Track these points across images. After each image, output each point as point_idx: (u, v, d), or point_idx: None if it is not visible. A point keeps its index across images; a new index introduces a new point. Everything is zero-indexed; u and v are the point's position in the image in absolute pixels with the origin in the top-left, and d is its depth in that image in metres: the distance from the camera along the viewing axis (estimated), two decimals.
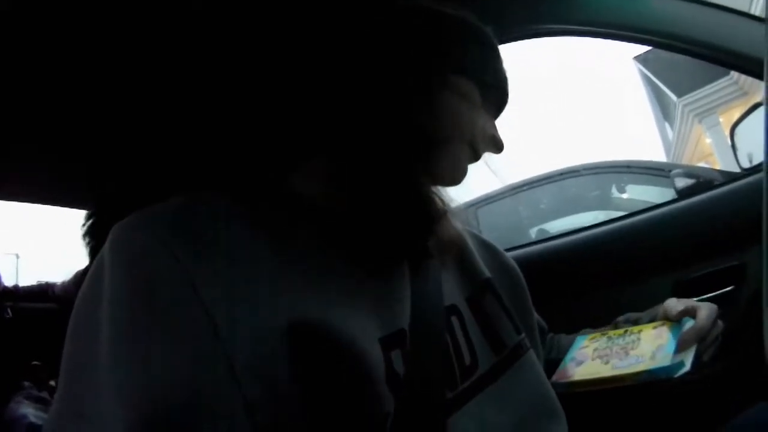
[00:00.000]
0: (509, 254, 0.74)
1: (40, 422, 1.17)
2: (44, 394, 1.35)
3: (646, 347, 0.64)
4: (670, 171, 2.02)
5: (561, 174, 2.59)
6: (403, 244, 0.50)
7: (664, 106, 12.31)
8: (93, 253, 1.03)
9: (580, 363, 0.67)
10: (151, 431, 0.31)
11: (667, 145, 13.57)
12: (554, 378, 0.62)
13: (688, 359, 0.59)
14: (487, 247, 0.70)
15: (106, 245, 0.38)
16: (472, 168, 0.59)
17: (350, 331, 0.39)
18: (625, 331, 0.69)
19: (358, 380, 0.38)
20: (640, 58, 10.62)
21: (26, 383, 1.32)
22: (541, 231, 2.52)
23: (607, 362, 0.65)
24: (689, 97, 9.19)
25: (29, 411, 1.21)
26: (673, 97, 9.79)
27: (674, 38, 0.94)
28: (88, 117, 0.91)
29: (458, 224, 0.62)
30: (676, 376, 0.57)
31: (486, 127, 0.58)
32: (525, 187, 2.59)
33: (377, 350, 0.41)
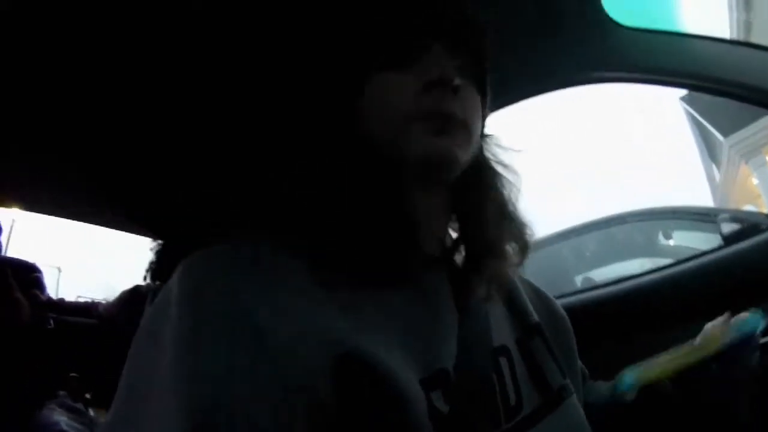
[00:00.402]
0: (560, 302, 0.73)
1: (71, 431, 1.20)
2: (79, 405, 1.39)
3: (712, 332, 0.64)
4: (716, 216, 1.97)
5: (607, 221, 2.58)
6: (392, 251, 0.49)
7: (711, 147, 11.99)
8: (153, 277, 1.10)
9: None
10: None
11: (713, 187, 13.16)
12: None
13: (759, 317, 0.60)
14: (536, 293, 0.70)
15: (174, 278, 0.42)
16: None
17: (391, 368, 0.41)
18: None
19: (400, 413, 0.40)
20: (686, 98, 10.43)
21: (61, 393, 1.36)
22: (587, 279, 2.48)
23: (678, 352, 0.64)
24: (736, 137, 8.91)
25: (62, 419, 1.25)
26: (720, 137, 9.52)
27: (715, 81, 0.92)
28: (134, 146, 0.98)
29: (509, 266, 0.61)
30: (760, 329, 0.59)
31: (428, 74, 0.51)
32: (570, 235, 2.59)
33: (417, 389, 0.42)
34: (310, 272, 0.44)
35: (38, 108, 0.87)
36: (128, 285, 1.65)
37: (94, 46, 0.74)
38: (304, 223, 0.48)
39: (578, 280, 2.50)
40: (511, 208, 0.60)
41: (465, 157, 0.52)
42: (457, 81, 0.51)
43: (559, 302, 0.72)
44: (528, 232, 0.60)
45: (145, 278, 1.35)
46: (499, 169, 0.61)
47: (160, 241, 1.35)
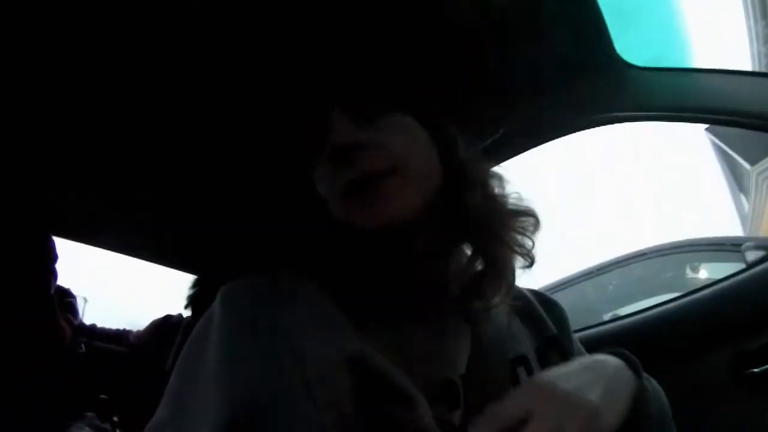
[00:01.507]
0: (580, 335, 0.74)
1: None
2: (106, 426, 1.43)
3: None
4: (741, 245, 1.94)
5: (631, 258, 2.56)
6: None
7: (738, 177, 11.72)
8: (192, 304, 1.17)
9: None
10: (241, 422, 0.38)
11: (743, 218, 12.80)
12: None
13: None
14: (544, 302, 0.71)
15: (216, 301, 0.48)
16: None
17: (391, 370, 0.45)
18: None
19: (411, 418, 0.44)
20: (711, 129, 10.29)
21: (89, 414, 1.40)
22: (615, 317, 2.45)
23: None
24: (763, 164, 8.72)
25: None
26: (746, 165, 9.34)
27: (735, 114, 0.92)
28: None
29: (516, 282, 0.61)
30: None
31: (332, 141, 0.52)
32: (596, 273, 2.59)
33: (423, 400, 0.46)
34: (325, 300, 0.49)
35: (79, 139, 0.94)
36: (150, 318, 1.70)
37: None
38: (322, 270, 0.53)
39: (606, 318, 2.45)
40: (507, 208, 0.59)
41: (411, 200, 0.52)
42: (354, 138, 0.51)
43: (583, 334, 0.72)
44: (531, 224, 0.59)
45: (186, 307, 1.40)
46: (480, 175, 0.60)
47: (196, 276, 1.41)
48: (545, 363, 0.59)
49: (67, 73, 0.78)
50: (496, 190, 0.60)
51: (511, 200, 0.59)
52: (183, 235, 1.32)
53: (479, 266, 0.56)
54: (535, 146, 1.08)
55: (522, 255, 0.58)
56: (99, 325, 1.71)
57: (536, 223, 0.59)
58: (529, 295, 0.68)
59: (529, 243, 0.58)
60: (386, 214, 0.50)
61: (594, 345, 0.73)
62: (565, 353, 0.62)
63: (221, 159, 0.99)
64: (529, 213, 0.59)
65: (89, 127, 0.90)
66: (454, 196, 0.55)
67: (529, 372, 0.56)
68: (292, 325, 0.44)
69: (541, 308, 0.67)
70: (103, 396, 1.45)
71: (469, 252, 0.57)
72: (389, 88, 0.57)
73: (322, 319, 0.47)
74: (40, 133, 0.90)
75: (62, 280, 1.41)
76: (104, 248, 1.37)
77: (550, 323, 0.65)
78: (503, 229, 0.57)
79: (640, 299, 2.50)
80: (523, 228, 0.58)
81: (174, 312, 1.62)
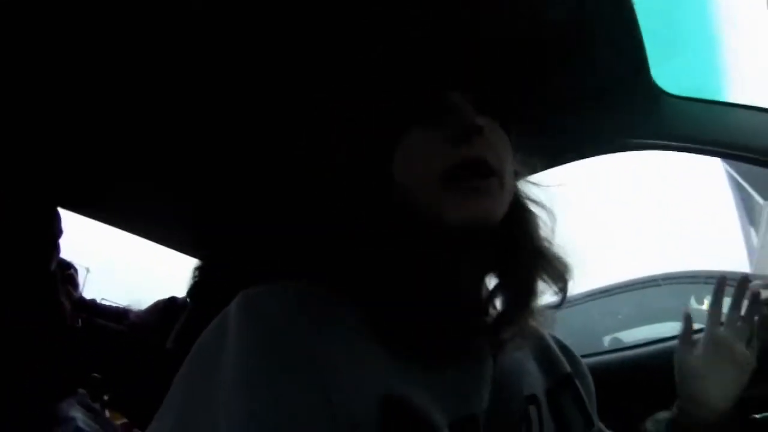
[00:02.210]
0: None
1: (87, 429, 1.22)
2: (96, 406, 1.41)
3: None
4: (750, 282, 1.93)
5: (639, 283, 2.56)
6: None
7: (750, 210, 11.64)
8: (191, 294, 1.14)
9: None
10: None
11: (751, 251, 12.71)
12: None
13: None
14: (563, 349, 0.70)
15: (234, 306, 0.44)
16: None
17: (425, 410, 0.43)
18: None
19: None
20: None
21: (81, 391, 1.39)
22: (615, 339, 2.45)
23: None
24: None
25: (78, 416, 1.26)
26: (759, 199, 9.26)
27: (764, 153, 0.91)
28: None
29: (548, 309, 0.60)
30: None
31: (453, 128, 0.50)
32: (601, 294, 2.57)
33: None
34: (357, 321, 0.46)
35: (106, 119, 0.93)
36: (152, 295, 1.66)
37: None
38: (352, 281, 0.50)
39: (606, 341, 2.44)
40: (547, 247, 0.57)
41: (502, 209, 0.51)
42: (480, 121, 0.50)
43: (584, 361, 0.71)
44: (566, 269, 0.57)
45: (187, 295, 1.38)
46: (532, 206, 0.59)
47: (202, 263, 1.39)
48: (556, 405, 0.58)
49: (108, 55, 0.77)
50: (544, 223, 0.59)
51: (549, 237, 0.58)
52: (201, 222, 1.30)
53: (504, 296, 0.56)
54: (560, 165, 1.06)
55: (555, 292, 0.57)
56: (101, 294, 1.68)
57: (567, 267, 0.57)
58: (545, 333, 0.67)
59: (560, 284, 0.57)
60: (485, 208, 0.49)
61: (595, 373, 0.72)
62: (578, 396, 0.61)
63: (246, 144, 0.98)
64: (562, 257, 0.57)
65: (110, 108, 0.89)
66: (515, 219, 0.55)
67: (539, 411, 0.55)
68: (320, 350, 0.42)
69: (556, 347, 0.66)
70: (95, 375, 1.44)
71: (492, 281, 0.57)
72: (501, 85, 0.57)
73: (354, 346, 0.44)
74: (56, 110, 0.89)
75: (66, 248, 1.39)
76: (114, 226, 1.36)
77: (565, 362, 0.64)
78: (546, 264, 0.56)
79: (641, 325, 2.52)
80: (556, 266, 0.57)
81: (179, 295, 1.59)
